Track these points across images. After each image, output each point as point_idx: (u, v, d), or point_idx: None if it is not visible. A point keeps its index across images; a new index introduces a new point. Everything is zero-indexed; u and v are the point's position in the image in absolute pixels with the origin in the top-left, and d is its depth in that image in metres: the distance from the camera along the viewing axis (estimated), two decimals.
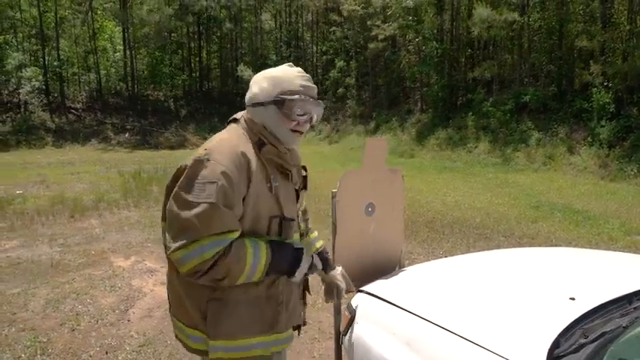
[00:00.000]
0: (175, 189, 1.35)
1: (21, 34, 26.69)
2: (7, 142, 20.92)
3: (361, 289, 2.05)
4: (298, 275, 1.49)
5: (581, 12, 17.11)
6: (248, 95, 1.51)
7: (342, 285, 1.80)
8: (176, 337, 1.56)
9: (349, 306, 1.99)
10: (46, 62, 25.51)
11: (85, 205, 7.89)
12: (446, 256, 5.19)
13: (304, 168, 1.68)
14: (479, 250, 5.31)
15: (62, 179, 11.34)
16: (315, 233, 1.92)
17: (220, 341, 1.41)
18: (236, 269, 1.34)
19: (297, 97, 1.45)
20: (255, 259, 1.37)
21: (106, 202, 8.20)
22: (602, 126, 13.17)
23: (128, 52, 28.34)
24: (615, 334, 1.41)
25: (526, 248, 2.67)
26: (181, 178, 1.35)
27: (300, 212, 1.67)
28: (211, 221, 1.29)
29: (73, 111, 25.74)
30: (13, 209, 7.60)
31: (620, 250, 5.34)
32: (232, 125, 1.52)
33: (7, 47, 24.66)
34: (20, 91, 22.95)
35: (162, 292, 4.07)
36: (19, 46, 25.34)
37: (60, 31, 26.68)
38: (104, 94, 28.07)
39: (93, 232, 6.28)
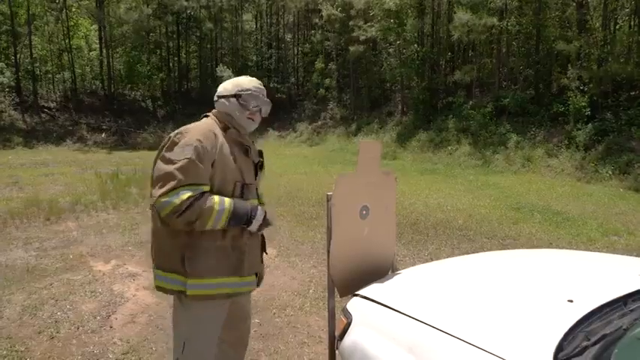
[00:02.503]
0: (162, 153, 1.82)
1: None
2: None
3: (357, 293, 2.02)
4: (255, 224, 1.89)
5: (557, 17, 17.54)
6: (216, 94, 2.05)
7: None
8: (157, 288, 1.93)
9: (345, 310, 1.95)
10: (18, 60, 24.71)
11: (61, 208, 7.64)
12: (432, 258, 5.21)
13: (261, 154, 2.14)
14: (463, 252, 5.36)
15: (36, 181, 10.98)
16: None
17: (196, 280, 1.82)
18: (206, 213, 1.74)
19: (250, 92, 2.00)
20: (221, 206, 1.78)
21: (83, 204, 7.96)
22: (579, 129, 13.51)
23: (104, 51, 27.70)
24: (616, 336, 1.41)
25: (518, 250, 2.68)
26: (167, 144, 1.82)
27: (257, 187, 2.10)
28: (188, 173, 1.73)
29: (46, 110, 24.96)
30: None
31: (598, 251, 5.46)
32: (204, 118, 2.01)
33: None
34: None
35: (145, 297, 3.96)
36: None
37: (32, 29, 25.86)
38: (79, 93, 27.34)
39: (70, 236, 6.08)
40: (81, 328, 3.37)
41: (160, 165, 1.78)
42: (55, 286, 4.21)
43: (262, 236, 2.08)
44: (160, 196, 1.72)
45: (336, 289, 2.18)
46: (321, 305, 3.83)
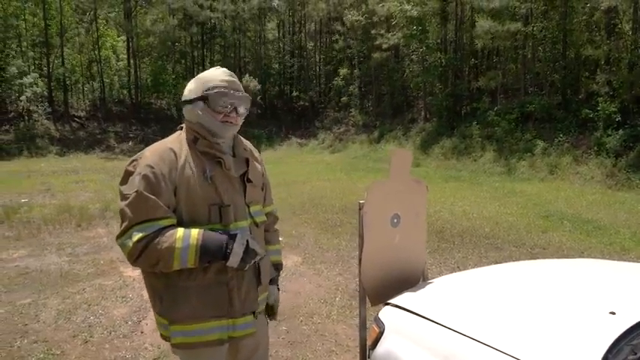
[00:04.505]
0: (119, 186, 1.56)
1: (25, 43, 26.85)
2: (9, 151, 20.92)
3: (389, 302, 2.01)
4: (232, 259, 1.50)
5: (584, 22, 17.17)
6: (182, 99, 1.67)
7: (276, 307, 1.93)
8: (160, 335, 1.65)
9: (377, 319, 1.94)
10: (50, 70, 25.62)
11: (92, 214, 7.85)
12: (458, 267, 5.14)
13: (247, 161, 1.71)
14: (491, 261, 5.26)
15: (67, 187, 11.32)
16: (277, 246, 1.96)
17: (178, 326, 1.54)
18: (166, 253, 1.44)
19: (218, 90, 1.58)
20: (185, 242, 1.46)
21: (112, 210, 8.14)
22: (609, 135, 13.13)
23: (132, 61, 28.49)
24: None
25: (553, 260, 2.62)
26: (122, 175, 1.56)
27: (250, 205, 1.70)
28: (139, 209, 1.46)
29: (76, 119, 25.79)
30: (19, 218, 7.56)
31: (633, 261, 5.27)
32: (177, 132, 1.69)
33: (9, 56, 24.69)
34: (22, 98, 22.92)
35: None
36: (22, 55, 25.41)
37: (64, 40, 26.83)
38: (107, 102, 28.18)
39: (100, 242, 6.24)
40: (113, 332, 3.45)
41: (119, 201, 1.53)
42: (88, 291, 4.33)
43: (257, 264, 1.66)
44: (117, 237, 1.51)
45: (367, 298, 2.18)
46: (347, 313, 3.82)
